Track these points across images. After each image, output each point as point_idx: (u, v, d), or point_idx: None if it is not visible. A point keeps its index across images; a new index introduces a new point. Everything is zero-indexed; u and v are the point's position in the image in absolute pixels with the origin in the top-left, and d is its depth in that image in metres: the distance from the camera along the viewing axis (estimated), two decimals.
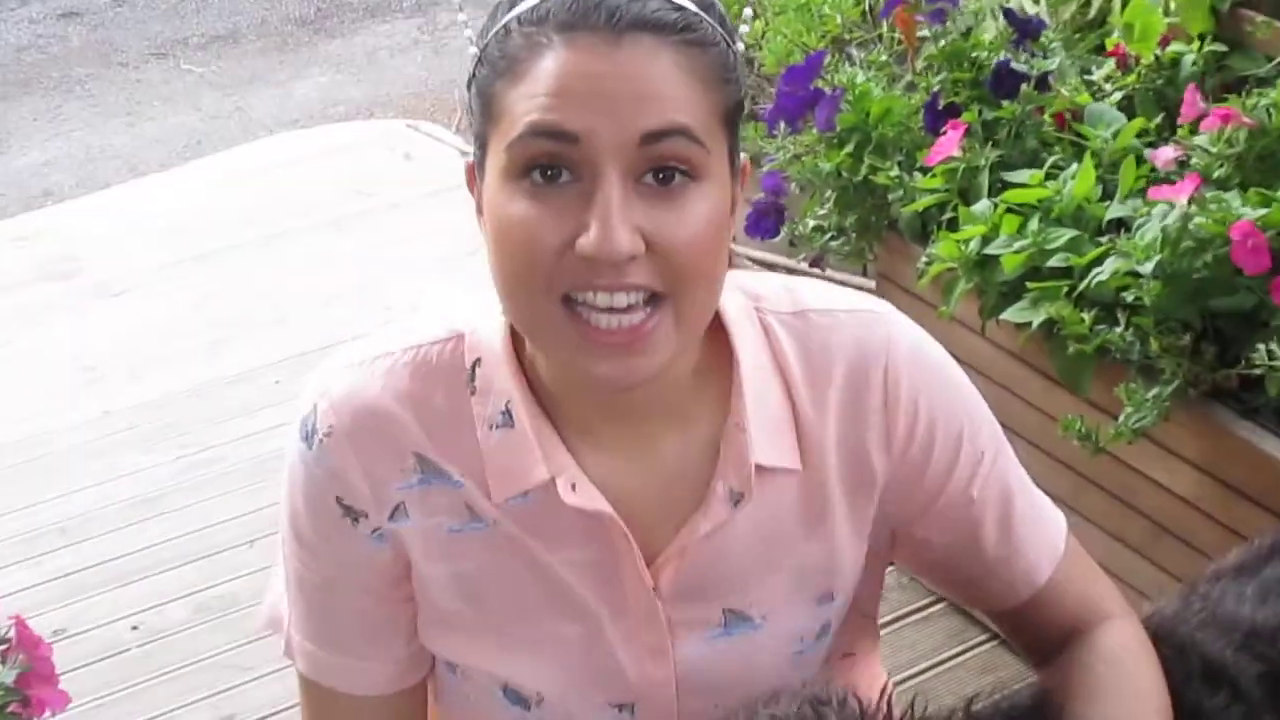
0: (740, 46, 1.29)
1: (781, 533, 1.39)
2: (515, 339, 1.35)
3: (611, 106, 1.17)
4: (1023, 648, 1.57)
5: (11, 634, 1.64)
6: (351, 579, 1.40)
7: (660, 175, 1.20)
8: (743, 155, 1.32)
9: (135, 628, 3.00)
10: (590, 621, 1.39)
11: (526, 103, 1.19)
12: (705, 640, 1.41)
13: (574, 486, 1.32)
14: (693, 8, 1.22)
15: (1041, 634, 1.51)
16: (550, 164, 1.19)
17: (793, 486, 1.38)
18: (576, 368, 1.25)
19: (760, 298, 1.40)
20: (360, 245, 4.38)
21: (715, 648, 1.42)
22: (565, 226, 1.19)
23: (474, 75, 1.26)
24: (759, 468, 1.34)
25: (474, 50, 1.27)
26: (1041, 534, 1.49)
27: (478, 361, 1.35)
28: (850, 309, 1.41)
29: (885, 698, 1.27)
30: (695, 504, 1.36)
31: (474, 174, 1.30)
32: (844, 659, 1.55)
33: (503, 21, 1.23)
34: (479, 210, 1.30)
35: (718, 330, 1.36)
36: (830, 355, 1.38)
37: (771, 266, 3.29)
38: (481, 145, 1.27)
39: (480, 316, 1.37)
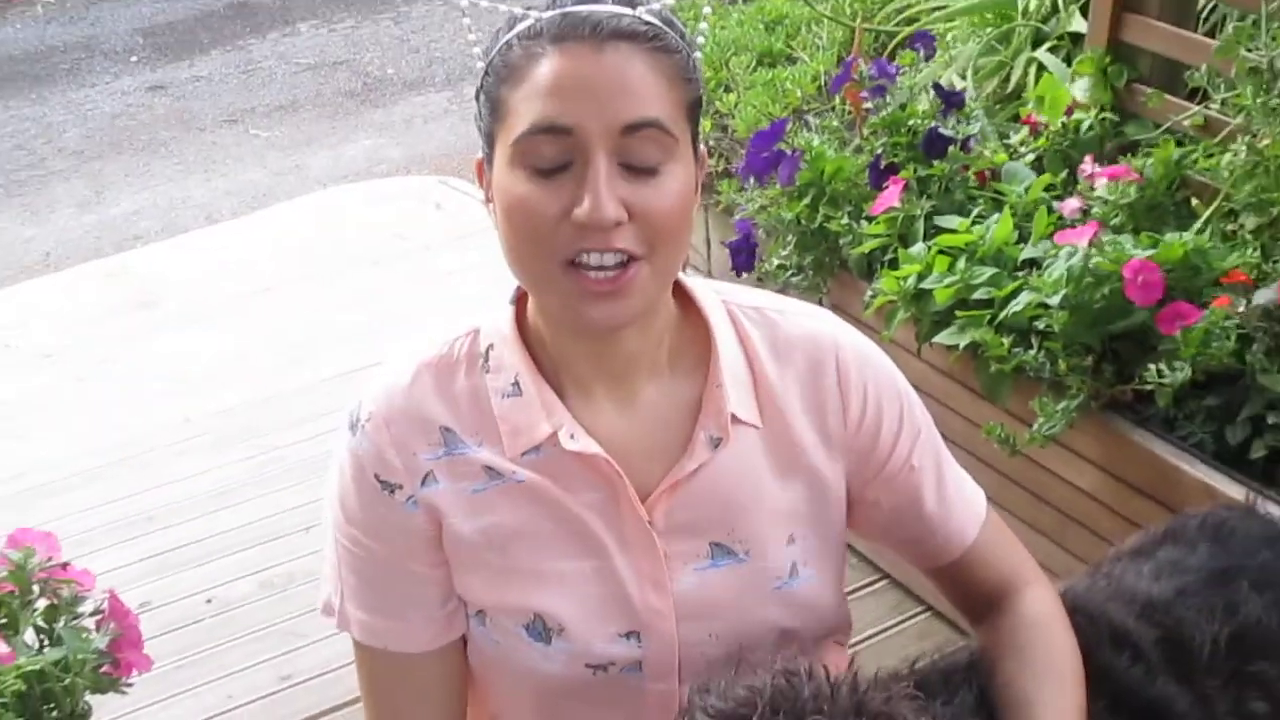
0: (698, 55, 1.32)
1: (754, 477, 1.42)
2: (520, 327, 1.40)
3: (597, 102, 1.23)
4: (956, 604, 1.58)
5: (105, 606, 1.64)
6: (392, 547, 1.41)
7: (638, 158, 1.25)
8: (701, 146, 1.36)
9: (209, 601, 3.00)
10: (601, 556, 1.40)
11: (528, 103, 1.24)
12: (696, 571, 1.42)
13: (572, 435, 1.36)
14: (658, 23, 1.27)
15: (972, 590, 1.53)
16: (549, 152, 1.24)
17: (758, 440, 1.41)
18: (574, 314, 1.29)
19: (725, 292, 1.45)
20: (399, 280, 4.38)
21: (705, 578, 1.42)
22: (562, 201, 1.24)
23: (481, 85, 1.31)
24: (733, 417, 1.38)
25: (480, 65, 1.31)
26: (967, 501, 1.52)
27: (490, 346, 1.40)
28: (799, 311, 1.46)
29: (851, 670, 1.27)
30: (681, 450, 1.39)
31: (483, 168, 1.34)
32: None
33: (504, 39, 1.28)
34: (487, 198, 1.34)
35: (694, 314, 1.41)
36: (790, 344, 1.42)
37: None
38: (489, 142, 1.31)
39: (490, 314, 1.42)
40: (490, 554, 1.41)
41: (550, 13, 1.27)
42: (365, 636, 1.46)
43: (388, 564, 1.42)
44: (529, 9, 1.29)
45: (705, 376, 1.40)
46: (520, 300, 1.42)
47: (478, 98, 1.32)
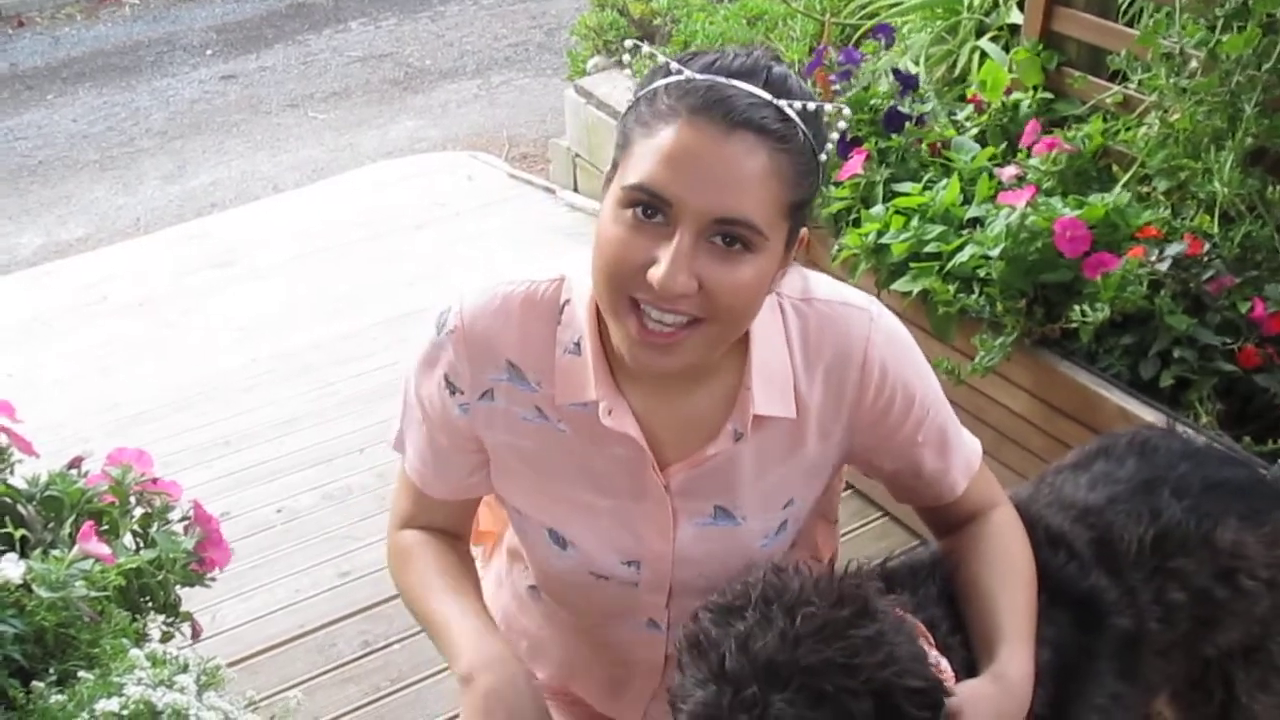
0: (824, 157, 1.22)
1: (765, 461, 1.38)
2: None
3: (702, 187, 1.14)
4: (932, 527, 1.54)
5: (191, 514, 1.64)
6: (440, 426, 1.41)
7: (727, 239, 1.17)
8: (804, 230, 1.26)
9: (278, 511, 3.00)
10: (618, 499, 1.38)
11: (646, 158, 1.16)
12: (697, 526, 1.40)
13: (610, 412, 1.31)
14: (797, 120, 1.17)
15: (952, 520, 1.49)
16: (648, 207, 1.16)
17: (781, 429, 1.36)
18: (626, 350, 1.23)
19: (779, 283, 1.35)
20: (435, 241, 4.36)
21: (704, 533, 1.40)
22: (647, 253, 1.17)
23: (626, 112, 1.22)
24: (757, 417, 1.33)
25: (632, 96, 1.23)
26: (962, 460, 1.46)
27: (567, 302, 1.34)
28: (845, 302, 1.36)
29: (830, 563, 1.27)
30: (709, 437, 1.35)
31: (607, 181, 1.25)
32: (801, 551, 1.52)
33: (655, 84, 1.19)
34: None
35: None
36: (823, 339, 1.34)
37: None
38: (614, 166, 1.23)
39: (576, 267, 1.33)
40: (525, 469, 1.40)
41: (702, 76, 1.17)
42: (409, 469, 1.48)
43: (434, 437, 1.42)
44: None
45: (741, 375, 1.33)
46: None
47: (621, 119, 1.24)
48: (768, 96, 1.16)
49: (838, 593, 1.18)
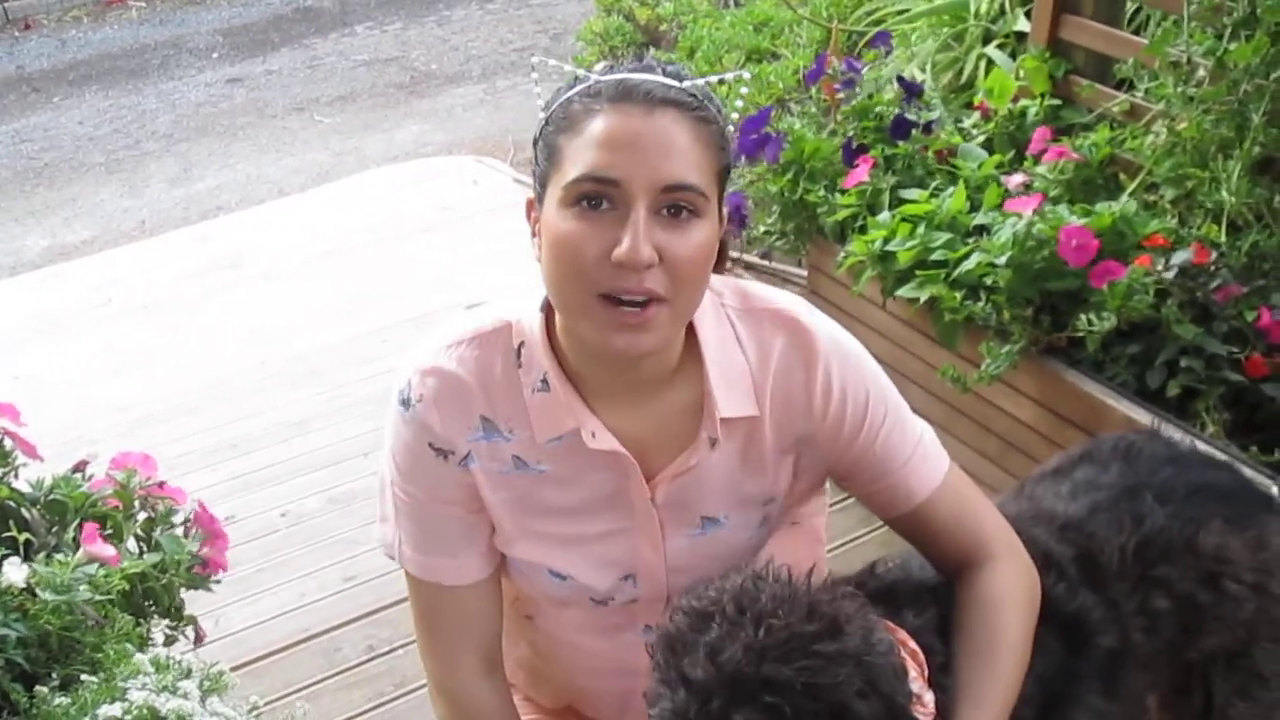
0: (730, 128, 1.29)
1: (741, 461, 1.39)
2: (548, 329, 1.34)
3: (644, 160, 1.19)
4: (926, 558, 1.47)
5: (193, 515, 1.63)
6: (445, 499, 1.39)
7: (673, 210, 1.21)
8: (725, 209, 1.30)
9: (284, 514, 2.99)
10: (607, 524, 1.39)
11: (582, 152, 1.20)
12: (688, 538, 1.41)
13: (594, 434, 1.33)
14: (699, 96, 1.24)
15: (930, 544, 1.44)
16: (596, 196, 1.20)
17: (747, 428, 1.37)
18: (601, 341, 1.24)
19: (722, 294, 1.39)
20: (442, 245, 4.36)
21: (695, 543, 1.42)
22: (603, 241, 1.19)
23: (540, 134, 1.27)
24: (725, 420, 1.34)
25: (542, 116, 1.27)
26: (923, 467, 1.42)
27: (522, 344, 1.34)
28: (778, 309, 1.38)
29: (810, 572, 1.25)
30: (684, 445, 1.36)
31: (533, 206, 1.29)
32: (791, 526, 1.53)
33: (565, 95, 1.25)
34: (534, 234, 1.29)
35: (693, 327, 1.35)
36: (770, 343, 1.36)
37: (735, 259, 3.29)
38: (542, 184, 1.26)
39: (523, 311, 1.36)
40: (512, 520, 1.40)
41: (609, 77, 1.23)
42: (420, 572, 1.42)
43: (441, 513, 1.39)
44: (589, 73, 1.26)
45: (702, 383, 1.35)
46: (549, 309, 1.36)
47: (535, 144, 1.28)
48: (672, 81, 1.23)
49: (808, 607, 1.17)
